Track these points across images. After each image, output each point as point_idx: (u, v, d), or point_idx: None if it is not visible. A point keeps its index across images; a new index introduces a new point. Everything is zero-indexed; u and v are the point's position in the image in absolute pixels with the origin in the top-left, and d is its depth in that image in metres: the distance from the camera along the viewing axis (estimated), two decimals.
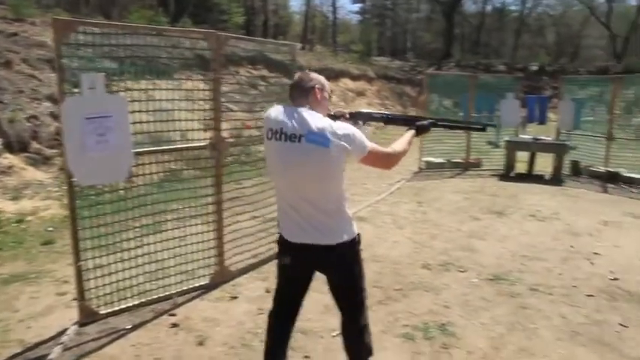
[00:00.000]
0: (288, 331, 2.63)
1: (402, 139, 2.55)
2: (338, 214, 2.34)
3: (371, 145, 2.33)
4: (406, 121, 2.81)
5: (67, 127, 3.21)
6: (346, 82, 21.77)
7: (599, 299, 4.14)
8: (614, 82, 9.76)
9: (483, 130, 3.36)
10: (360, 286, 2.50)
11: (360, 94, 22.28)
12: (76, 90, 3.26)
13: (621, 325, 3.68)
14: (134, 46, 3.59)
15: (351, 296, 2.50)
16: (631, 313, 3.88)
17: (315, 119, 2.23)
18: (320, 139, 2.17)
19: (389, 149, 2.45)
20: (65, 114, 3.19)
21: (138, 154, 3.71)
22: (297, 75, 2.46)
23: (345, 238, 2.35)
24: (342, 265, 2.42)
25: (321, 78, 2.46)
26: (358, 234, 2.44)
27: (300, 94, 2.36)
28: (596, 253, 5.26)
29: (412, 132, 2.65)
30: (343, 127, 2.24)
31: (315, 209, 2.28)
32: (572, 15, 46.69)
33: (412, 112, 21.27)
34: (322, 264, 2.41)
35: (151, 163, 3.86)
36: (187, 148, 4.10)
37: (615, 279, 4.55)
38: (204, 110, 4.07)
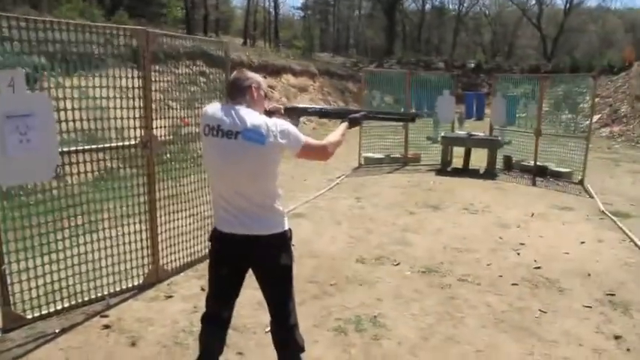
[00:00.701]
0: (221, 336, 2.62)
1: (336, 132, 2.65)
2: (272, 208, 2.40)
3: (305, 138, 2.41)
4: (340, 114, 2.91)
5: None
6: (288, 78, 21.76)
7: (523, 287, 4.38)
8: (542, 80, 10.26)
9: (412, 120, 3.63)
10: (290, 279, 2.54)
11: (303, 89, 22.35)
12: None
13: (540, 310, 3.92)
14: (57, 42, 3.47)
15: (281, 289, 2.52)
16: (550, 299, 4.14)
17: (252, 117, 2.30)
18: (256, 136, 2.24)
19: (323, 142, 2.54)
20: None
21: (66, 152, 3.61)
22: (234, 74, 2.49)
23: (278, 230, 2.42)
24: (274, 257, 2.45)
25: (258, 77, 2.51)
26: (289, 229, 2.50)
27: (237, 92, 2.41)
28: (522, 244, 5.55)
29: (345, 124, 2.74)
30: (278, 124, 2.32)
31: (250, 203, 2.34)
32: (506, 15, 48.66)
33: (354, 107, 21.51)
34: (255, 255, 2.44)
35: (79, 163, 3.74)
36: (117, 147, 4.00)
37: (538, 267, 4.83)
38: (134, 108, 3.99)
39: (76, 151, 3.73)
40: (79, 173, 3.78)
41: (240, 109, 2.32)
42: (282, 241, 2.45)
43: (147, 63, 3.99)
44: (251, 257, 2.46)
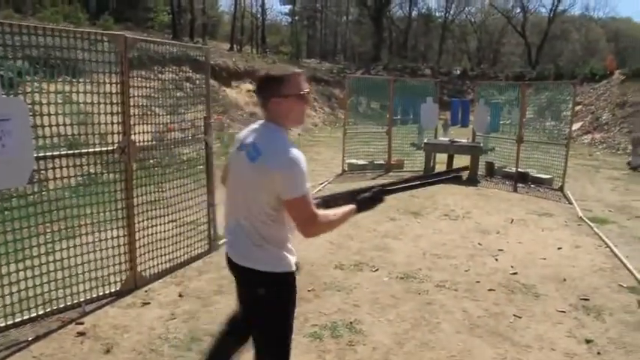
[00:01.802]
0: (229, 343, 2.47)
1: (339, 212, 2.15)
2: (266, 238, 2.07)
3: (307, 193, 1.97)
4: (346, 199, 2.28)
5: None
6: None
7: (499, 293, 4.42)
8: (523, 87, 10.39)
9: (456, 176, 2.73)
10: (270, 327, 2.18)
11: None
12: None
13: (515, 315, 3.97)
14: (35, 47, 3.47)
15: (259, 333, 2.22)
16: (525, 304, 4.19)
17: (265, 132, 2.06)
18: (252, 152, 2.01)
19: (321, 212, 2.05)
20: None
21: (42, 158, 3.60)
22: (257, 77, 2.15)
23: (267, 268, 2.07)
24: (256, 296, 2.12)
25: (285, 76, 2.05)
26: (290, 274, 2.12)
27: (260, 98, 2.10)
28: (501, 250, 5.61)
29: (352, 207, 2.20)
30: (290, 156, 1.94)
31: (247, 222, 2.08)
32: (491, 23, 49.27)
33: (340, 114, 21.50)
34: (242, 284, 2.22)
35: (55, 168, 3.71)
36: (95, 152, 3.99)
37: (515, 273, 4.88)
38: (111, 114, 3.98)
39: (52, 157, 3.70)
40: (55, 179, 3.76)
41: (263, 123, 2.11)
42: (269, 283, 2.08)
43: (125, 68, 3.99)
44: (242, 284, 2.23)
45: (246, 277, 2.14)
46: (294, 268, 2.13)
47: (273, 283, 2.08)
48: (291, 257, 2.14)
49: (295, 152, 1.95)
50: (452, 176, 2.62)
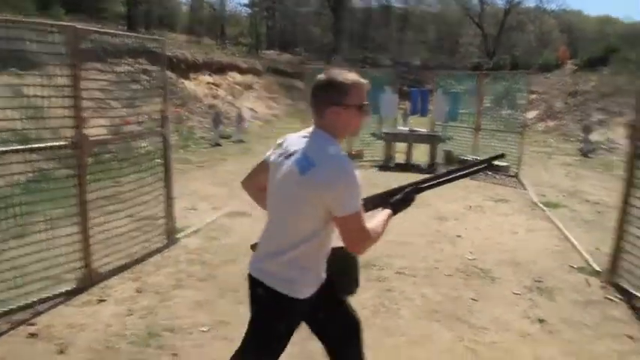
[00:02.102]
0: None
1: (382, 220, 2.01)
2: (290, 259, 1.96)
3: (361, 209, 1.84)
4: (375, 202, 2.16)
5: None
6: (234, 76, 21.59)
7: (457, 278, 4.52)
8: (481, 77, 10.60)
9: (487, 167, 2.51)
10: (259, 335, 2.15)
11: (249, 87, 22.22)
12: None
13: (472, 299, 4.07)
14: None
15: (247, 336, 2.17)
16: (482, 288, 4.30)
17: (318, 142, 1.90)
18: (303, 162, 1.85)
19: (371, 226, 1.91)
20: None
21: None
22: (317, 79, 1.96)
23: (277, 287, 1.98)
24: (257, 305, 2.10)
25: (348, 87, 1.90)
26: (296, 300, 2.01)
27: (315, 106, 1.94)
28: (459, 236, 5.74)
29: (388, 211, 2.08)
30: (343, 168, 1.81)
31: (279, 237, 1.99)
32: (450, 14, 49.99)
33: (301, 104, 21.42)
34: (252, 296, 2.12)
35: (3, 164, 3.58)
36: (46, 148, 3.86)
37: (473, 259, 5.00)
38: (63, 108, 3.86)
39: (1, 152, 3.56)
40: (4, 175, 3.62)
41: (314, 133, 1.94)
42: (273, 301, 2.01)
43: (77, 61, 3.86)
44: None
45: (259, 289, 2.04)
46: (301, 296, 2.02)
47: (276, 303, 2.02)
48: (308, 286, 2.04)
49: (349, 165, 1.83)
50: (486, 166, 2.47)
